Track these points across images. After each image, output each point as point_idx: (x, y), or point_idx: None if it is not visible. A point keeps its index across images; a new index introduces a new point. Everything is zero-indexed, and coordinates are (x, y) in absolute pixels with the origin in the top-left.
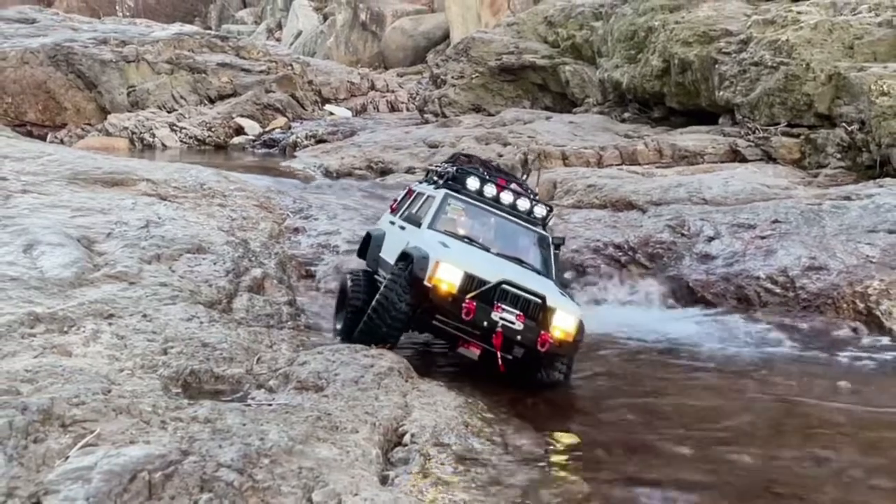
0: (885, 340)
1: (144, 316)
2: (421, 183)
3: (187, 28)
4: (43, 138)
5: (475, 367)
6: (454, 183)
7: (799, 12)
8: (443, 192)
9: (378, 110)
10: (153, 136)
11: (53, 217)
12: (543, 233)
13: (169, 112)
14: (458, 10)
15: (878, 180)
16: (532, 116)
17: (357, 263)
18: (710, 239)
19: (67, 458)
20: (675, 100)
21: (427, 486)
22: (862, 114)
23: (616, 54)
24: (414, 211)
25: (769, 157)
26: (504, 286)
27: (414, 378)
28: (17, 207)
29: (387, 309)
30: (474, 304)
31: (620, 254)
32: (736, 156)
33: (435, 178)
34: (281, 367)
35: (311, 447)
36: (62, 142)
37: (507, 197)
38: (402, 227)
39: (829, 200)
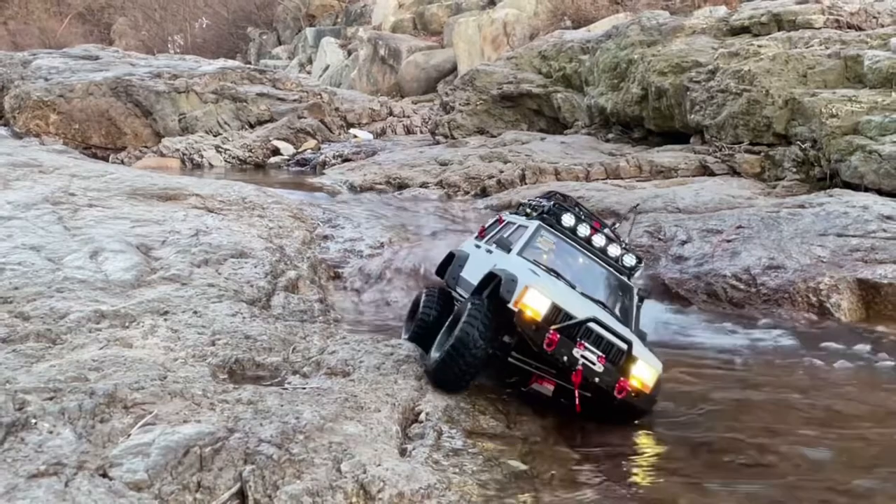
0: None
1: (195, 312)
2: (512, 214)
3: (230, 63)
4: (105, 159)
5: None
6: (548, 217)
7: (759, 46)
8: (536, 223)
9: (395, 133)
10: (201, 156)
11: (115, 227)
12: (629, 283)
13: (215, 136)
14: (465, 45)
15: (828, 191)
16: (529, 138)
17: (378, 265)
18: (683, 243)
19: (129, 435)
20: (652, 122)
21: (440, 457)
22: (814, 133)
23: (601, 83)
24: (504, 237)
25: (734, 172)
26: (591, 324)
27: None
28: (84, 219)
29: (467, 346)
30: (558, 336)
31: None
32: (705, 170)
33: (528, 211)
34: (313, 356)
35: (339, 425)
36: (122, 162)
37: (598, 240)
38: (489, 251)
39: (786, 209)
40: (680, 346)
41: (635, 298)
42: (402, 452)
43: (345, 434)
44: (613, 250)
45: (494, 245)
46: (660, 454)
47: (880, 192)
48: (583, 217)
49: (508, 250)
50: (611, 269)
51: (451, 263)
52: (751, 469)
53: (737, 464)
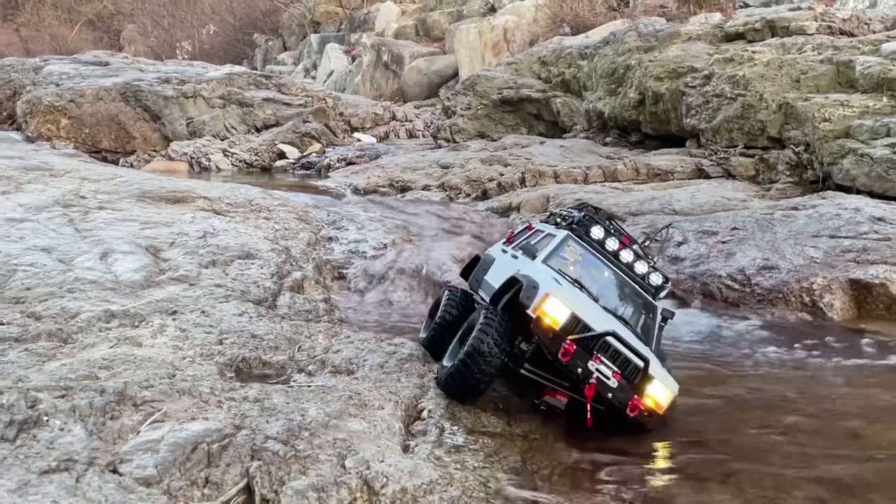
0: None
1: (203, 312)
2: (542, 222)
3: (237, 69)
4: (115, 163)
5: None
6: (578, 227)
7: (754, 51)
8: (564, 232)
9: (398, 137)
10: (209, 160)
11: (125, 229)
12: (653, 301)
13: (222, 140)
14: (466, 51)
15: (820, 193)
16: (528, 141)
17: (381, 266)
18: (680, 244)
19: (139, 432)
20: (649, 126)
21: (442, 454)
22: (807, 137)
23: (599, 88)
24: (531, 243)
25: (729, 175)
26: (609, 339)
27: (430, 363)
28: (95, 221)
29: (479, 358)
30: (574, 347)
31: None
32: (701, 173)
33: (558, 220)
34: (318, 355)
35: (344, 422)
36: (132, 165)
37: (626, 255)
38: (515, 256)
39: (780, 211)
40: (675, 346)
41: (658, 318)
42: (405, 449)
43: (349, 431)
44: (640, 267)
45: (520, 251)
46: (658, 452)
47: (871, 195)
48: (612, 231)
49: (534, 257)
50: (636, 286)
51: (476, 266)
52: (749, 467)
53: (733, 462)
